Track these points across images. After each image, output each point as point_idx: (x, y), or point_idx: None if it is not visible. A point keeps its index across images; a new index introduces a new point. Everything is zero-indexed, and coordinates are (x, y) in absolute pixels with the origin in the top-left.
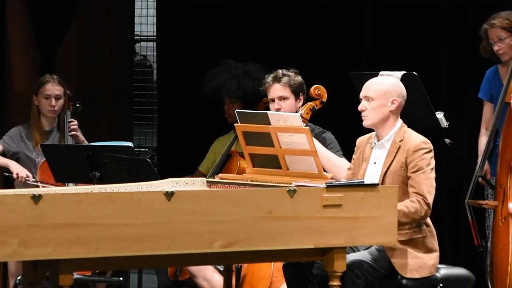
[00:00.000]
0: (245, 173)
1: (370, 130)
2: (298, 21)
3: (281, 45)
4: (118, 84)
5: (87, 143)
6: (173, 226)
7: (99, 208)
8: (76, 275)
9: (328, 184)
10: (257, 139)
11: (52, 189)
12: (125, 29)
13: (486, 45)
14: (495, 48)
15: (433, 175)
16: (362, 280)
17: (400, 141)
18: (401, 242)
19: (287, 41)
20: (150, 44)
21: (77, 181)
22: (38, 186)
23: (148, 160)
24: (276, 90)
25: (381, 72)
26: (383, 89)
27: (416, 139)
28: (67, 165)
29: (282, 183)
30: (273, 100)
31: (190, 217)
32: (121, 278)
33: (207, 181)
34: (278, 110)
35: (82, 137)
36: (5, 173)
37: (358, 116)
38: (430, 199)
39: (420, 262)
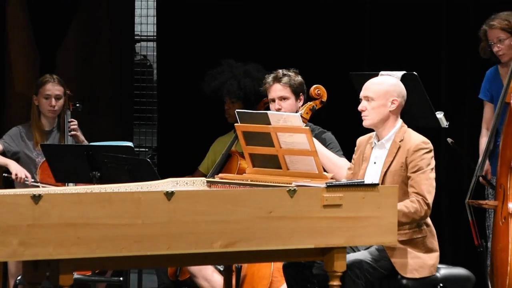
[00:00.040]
0: (245, 173)
1: (370, 130)
2: (298, 21)
3: (281, 45)
4: (118, 84)
5: (87, 143)
6: (173, 226)
7: (99, 208)
8: (76, 275)
9: (328, 184)
10: (257, 139)
11: (52, 189)
12: (125, 29)
13: (486, 46)
14: (495, 49)
15: (433, 175)
16: (362, 280)
17: (400, 141)
18: (401, 242)
19: (287, 41)
20: (150, 44)
21: (77, 181)
22: (38, 187)
23: (148, 160)
24: (277, 90)
25: (381, 72)
26: (383, 89)
27: (416, 139)
28: (67, 165)
29: (282, 183)
30: (273, 100)
31: (190, 217)
32: (121, 278)
33: (207, 181)
34: (278, 110)
35: (82, 137)
36: (4, 174)
37: (358, 116)
38: (430, 199)
39: (420, 262)
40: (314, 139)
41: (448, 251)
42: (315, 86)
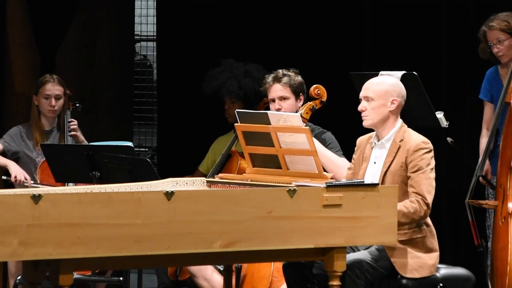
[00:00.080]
0: (245, 173)
1: (370, 130)
2: (298, 21)
3: (281, 45)
4: (118, 84)
5: (87, 143)
6: (173, 226)
7: (99, 208)
8: (76, 275)
9: (328, 184)
10: (257, 139)
11: (52, 189)
12: (125, 29)
13: (485, 47)
14: (495, 50)
15: (433, 175)
16: (362, 280)
17: (400, 141)
18: (401, 242)
19: (287, 41)
20: (150, 44)
21: (77, 181)
22: (38, 187)
23: (148, 160)
24: (277, 90)
25: (381, 72)
26: (383, 89)
27: (416, 139)
28: (67, 165)
29: (282, 183)
30: (273, 100)
31: (190, 217)
32: (121, 278)
33: (207, 181)
34: (278, 110)
35: (82, 137)
36: (3, 177)
37: (358, 116)
38: (430, 199)
39: (420, 262)
40: (314, 139)
41: (448, 251)
42: (315, 86)
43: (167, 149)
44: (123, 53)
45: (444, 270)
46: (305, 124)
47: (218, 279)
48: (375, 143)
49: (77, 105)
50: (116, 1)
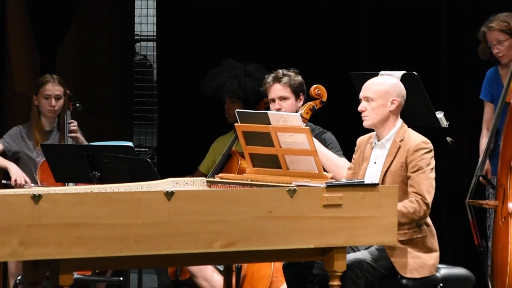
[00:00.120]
0: (245, 173)
1: (370, 130)
2: (298, 21)
3: (281, 45)
4: (118, 84)
5: (87, 144)
6: (173, 226)
7: (99, 208)
8: (76, 275)
9: (328, 184)
10: (257, 139)
11: (52, 189)
12: (125, 29)
13: (485, 48)
14: (495, 51)
15: (433, 175)
16: (362, 280)
17: (400, 141)
18: (401, 242)
19: (287, 41)
20: (150, 44)
21: (77, 181)
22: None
23: (148, 160)
24: (277, 90)
25: (381, 72)
26: (383, 89)
27: (416, 139)
28: (67, 165)
29: (282, 183)
30: (273, 100)
31: (190, 217)
32: (121, 278)
33: (207, 181)
34: (278, 110)
35: (82, 138)
36: (3, 181)
37: (358, 116)
38: (430, 199)
39: (420, 262)
40: (314, 139)
41: (448, 251)
42: (315, 86)
43: (167, 149)
44: (123, 53)
45: (444, 270)
46: (305, 124)
47: (218, 279)
48: (375, 143)
49: (77, 105)
50: (116, 1)
